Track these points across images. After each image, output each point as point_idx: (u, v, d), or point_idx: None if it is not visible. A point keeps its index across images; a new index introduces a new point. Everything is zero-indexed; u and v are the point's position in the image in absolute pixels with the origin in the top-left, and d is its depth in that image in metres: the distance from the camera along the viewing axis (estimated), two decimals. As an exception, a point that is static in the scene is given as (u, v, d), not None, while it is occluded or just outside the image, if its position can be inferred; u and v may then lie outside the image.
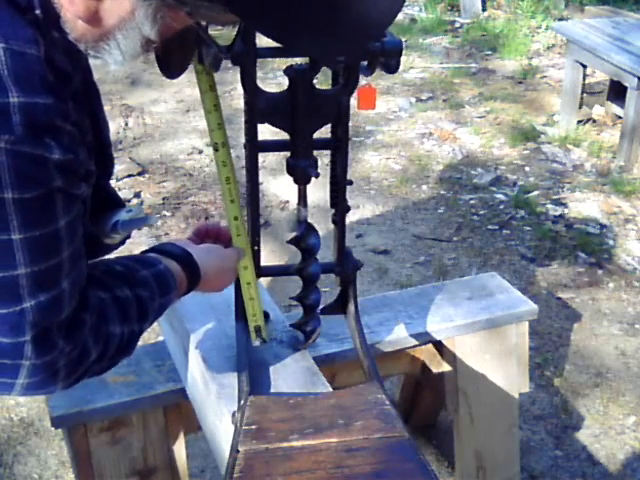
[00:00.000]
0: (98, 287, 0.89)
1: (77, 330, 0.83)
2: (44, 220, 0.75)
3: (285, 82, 1.13)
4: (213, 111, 1.10)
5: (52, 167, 0.72)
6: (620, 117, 4.10)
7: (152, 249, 1.06)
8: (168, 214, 3.42)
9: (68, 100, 0.75)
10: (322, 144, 1.24)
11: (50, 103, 0.71)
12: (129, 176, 3.71)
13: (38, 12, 0.72)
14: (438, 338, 1.68)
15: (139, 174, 3.75)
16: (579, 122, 4.28)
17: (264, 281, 1.44)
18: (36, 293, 0.77)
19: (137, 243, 3.16)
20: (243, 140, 1.22)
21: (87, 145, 0.80)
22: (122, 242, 1.13)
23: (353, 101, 1.14)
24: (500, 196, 3.64)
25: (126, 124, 4.30)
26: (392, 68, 1.07)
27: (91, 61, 0.79)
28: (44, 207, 0.74)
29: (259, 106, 1.12)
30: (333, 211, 1.32)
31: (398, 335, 1.62)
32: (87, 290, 0.86)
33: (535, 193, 3.68)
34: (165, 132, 4.22)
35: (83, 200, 0.83)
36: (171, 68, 0.87)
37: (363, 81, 1.11)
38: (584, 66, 4.15)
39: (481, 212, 3.51)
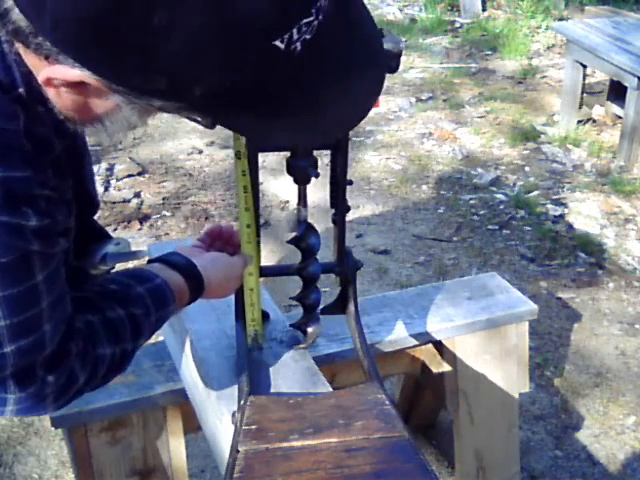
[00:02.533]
0: (88, 310, 0.91)
1: (62, 360, 0.86)
2: (21, 279, 0.78)
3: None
4: None
5: (29, 233, 0.76)
6: (620, 117, 4.10)
7: (158, 258, 1.08)
8: (168, 214, 3.42)
9: (47, 168, 0.78)
10: (322, 144, 1.24)
11: (27, 175, 0.74)
12: (129, 176, 3.71)
13: (21, 90, 0.75)
14: (438, 338, 1.68)
15: (139, 174, 3.75)
16: (579, 122, 4.28)
17: (264, 281, 1.43)
18: (16, 339, 0.80)
19: (137, 243, 3.16)
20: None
21: (67, 203, 0.83)
22: (108, 272, 1.15)
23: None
24: (500, 196, 3.64)
25: (126, 124, 4.29)
26: (392, 68, 1.07)
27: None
28: (21, 268, 0.77)
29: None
30: (333, 211, 1.31)
31: (398, 335, 1.62)
32: (73, 318, 0.88)
33: (535, 193, 3.68)
34: (165, 132, 4.22)
35: (65, 250, 0.85)
36: None
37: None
38: (584, 66, 4.16)
39: (481, 212, 3.51)
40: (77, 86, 0.70)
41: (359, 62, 0.76)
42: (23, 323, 0.79)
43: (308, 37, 0.66)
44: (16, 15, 0.66)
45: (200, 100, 0.68)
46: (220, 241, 1.22)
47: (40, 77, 0.70)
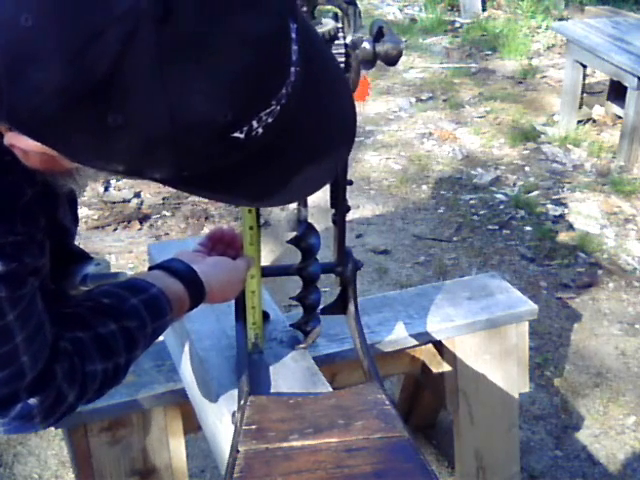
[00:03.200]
0: (78, 327, 0.91)
1: (47, 383, 0.86)
2: None
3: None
4: None
5: None
6: (620, 117, 4.10)
7: (157, 265, 1.08)
8: (168, 214, 3.42)
9: (14, 215, 0.78)
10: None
11: None
12: (129, 176, 3.71)
13: None
14: (438, 338, 1.68)
15: (139, 174, 3.74)
16: (579, 122, 4.28)
17: (264, 281, 1.43)
18: None
19: (137, 243, 3.16)
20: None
21: (38, 244, 0.83)
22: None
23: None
24: (500, 196, 3.64)
25: (126, 124, 4.29)
26: (391, 62, 1.08)
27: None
28: None
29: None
30: (333, 211, 1.31)
31: (398, 335, 1.62)
32: (58, 338, 0.88)
33: (535, 193, 3.68)
34: (165, 132, 4.22)
35: (40, 275, 0.86)
36: None
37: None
38: (584, 66, 4.16)
39: (481, 212, 3.51)
40: (43, 152, 0.70)
41: (328, 136, 0.77)
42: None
43: (270, 120, 0.67)
44: None
45: (162, 181, 0.71)
46: (222, 244, 1.21)
47: (5, 141, 0.70)
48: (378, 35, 1.07)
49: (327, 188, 1.30)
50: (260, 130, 0.67)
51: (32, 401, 0.85)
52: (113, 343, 0.93)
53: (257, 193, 0.76)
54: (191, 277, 1.06)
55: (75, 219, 1.08)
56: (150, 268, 1.08)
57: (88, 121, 0.62)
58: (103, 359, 0.92)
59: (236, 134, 0.66)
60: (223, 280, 1.12)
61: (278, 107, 0.67)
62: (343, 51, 1.05)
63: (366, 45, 1.06)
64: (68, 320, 0.90)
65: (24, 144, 0.68)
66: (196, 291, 1.06)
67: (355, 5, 1.04)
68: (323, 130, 0.76)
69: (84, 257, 1.11)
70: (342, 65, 1.10)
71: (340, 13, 1.06)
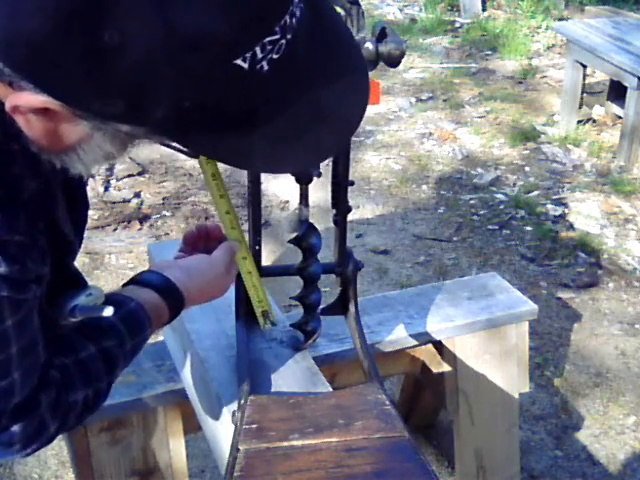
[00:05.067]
0: (63, 352, 0.88)
1: (31, 411, 0.83)
2: None
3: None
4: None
5: None
6: (620, 117, 4.10)
7: (131, 280, 1.04)
8: (168, 214, 3.42)
9: (18, 211, 0.76)
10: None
11: None
12: (129, 176, 3.71)
13: None
14: (438, 338, 1.68)
15: (139, 174, 3.75)
16: (579, 122, 4.28)
17: (264, 281, 1.43)
18: None
19: (137, 243, 3.17)
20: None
21: (40, 250, 0.80)
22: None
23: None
24: (500, 196, 3.64)
25: (126, 124, 4.29)
26: (394, 64, 1.08)
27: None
28: None
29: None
30: (334, 211, 1.32)
31: (398, 335, 1.62)
32: (48, 366, 0.85)
33: (535, 193, 3.68)
34: (165, 132, 4.22)
35: (37, 297, 0.82)
36: None
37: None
38: (584, 66, 4.16)
39: (481, 212, 3.51)
40: (43, 113, 0.69)
41: (339, 76, 0.74)
42: None
43: (275, 56, 0.65)
44: None
45: (164, 123, 0.67)
46: (201, 242, 1.17)
47: (7, 106, 0.69)
48: (381, 36, 1.07)
49: (328, 188, 1.30)
50: (265, 65, 0.65)
51: (14, 428, 0.81)
52: (93, 367, 0.90)
53: (267, 152, 0.72)
54: (166, 285, 1.02)
55: (78, 231, 1.04)
56: (124, 285, 1.04)
57: (82, 44, 0.61)
58: (84, 386, 0.88)
59: (239, 61, 0.63)
60: (201, 279, 1.07)
61: (283, 41, 0.65)
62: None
63: (369, 45, 1.06)
64: (54, 345, 0.87)
65: (25, 100, 0.67)
66: (173, 299, 1.02)
67: (359, 5, 1.04)
68: (334, 85, 0.73)
69: (79, 283, 1.04)
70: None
71: (343, 13, 1.06)
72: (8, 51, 0.63)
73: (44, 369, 0.84)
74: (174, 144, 0.74)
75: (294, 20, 0.66)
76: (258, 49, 0.64)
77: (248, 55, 0.64)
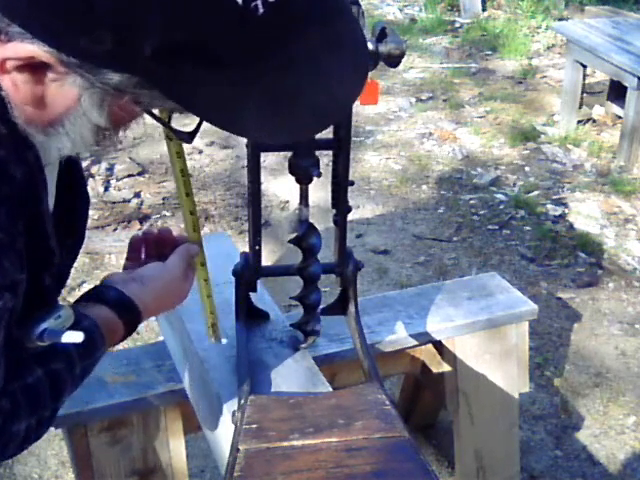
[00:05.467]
0: (14, 377, 0.82)
1: None
2: None
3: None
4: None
5: None
6: (620, 117, 4.10)
7: (85, 295, 0.98)
8: (168, 214, 3.42)
9: (1, 201, 0.72)
10: (324, 144, 1.24)
11: None
12: (129, 176, 3.71)
13: None
14: (438, 338, 1.68)
15: (139, 174, 3.75)
16: (579, 122, 4.28)
17: (264, 281, 1.43)
18: None
19: (137, 243, 3.16)
20: (245, 140, 1.22)
21: (17, 253, 0.75)
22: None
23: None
24: (500, 196, 3.64)
25: (126, 124, 4.29)
26: (393, 64, 1.08)
27: (43, 145, 0.75)
28: None
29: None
30: (334, 211, 1.32)
31: (398, 335, 1.62)
32: (1, 393, 0.79)
33: (535, 193, 3.68)
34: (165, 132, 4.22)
35: (10, 308, 0.77)
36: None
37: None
38: (584, 66, 4.16)
39: (481, 212, 3.51)
40: (34, 71, 0.67)
41: (339, 57, 0.70)
42: None
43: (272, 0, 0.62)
44: None
45: (153, 64, 0.63)
46: (151, 246, 1.10)
47: None
48: (381, 36, 1.07)
49: (328, 188, 1.30)
50: (260, 6, 0.62)
51: None
52: (40, 393, 0.83)
53: (262, 113, 0.68)
54: (120, 300, 0.96)
55: (79, 231, 0.99)
56: (76, 301, 0.98)
57: None
58: (29, 415, 0.82)
59: None
60: (158, 289, 1.02)
61: None
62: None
63: (369, 45, 1.06)
64: (9, 370, 0.80)
65: (13, 51, 0.65)
66: (129, 314, 0.97)
67: (359, 5, 1.04)
68: (333, 47, 0.70)
69: (51, 300, 0.95)
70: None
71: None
72: None
73: None
74: (164, 116, 0.71)
75: None
76: None
77: None
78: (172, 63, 0.63)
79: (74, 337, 0.85)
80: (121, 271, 1.07)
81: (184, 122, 0.81)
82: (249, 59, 0.65)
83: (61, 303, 0.90)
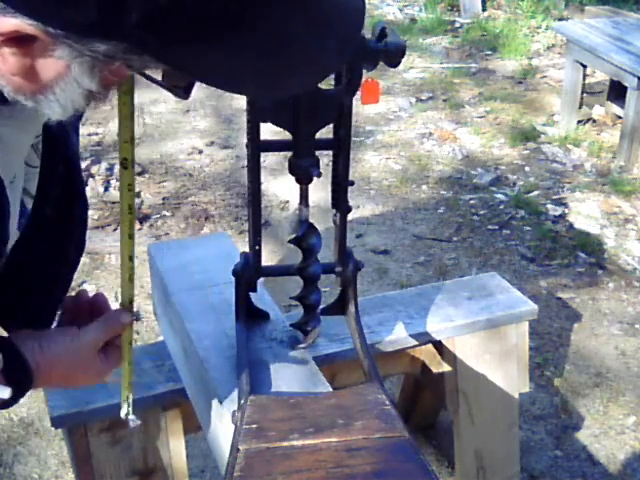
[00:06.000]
0: None
1: None
2: None
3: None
4: (128, 120, 0.90)
5: None
6: (620, 117, 4.10)
7: None
8: (168, 214, 3.42)
9: None
10: (324, 144, 1.24)
11: None
12: (129, 176, 3.71)
13: None
14: (438, 338, 1.68)
15: (139, 174, 3.75)
16: (579, 122, 4.28)
17: (265, 281, 1.43)
18: None
19: (137, 243, 3.16)
20: (245, 140, 1.22)
21: None
22: None
23: (354, 99, 1.14)
24: (500, 196, 3.64)
25: (126, 124, 4.29)
26: (393, 64, 1.08)
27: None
28: None
29: (262, 105, 1.12)
30: (334, 211, 1.32)
31: (398, 335, 1.62)
32: None
33: (535, 193, 3.68)
34: (165, 132, 4.22)
35: None
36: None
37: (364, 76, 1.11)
38: (584, 66, 4.16)
39: (481, 212, 3.51)
40: (22, 44, 0.66)
41: (335, 8, 0.67)
42: None
43: None
44: None
45: (140, 31, 0.62)
46: (85, 311, 0.99)
47: None
48: (381, 36, 1.07)
49: (328, 188, 1.30)
50: None
51: None
52: None
53: (259, 67, 0.66)
54: (14, 362, 0.87)
55: (80, 231, 0.96)
56: None
57: None
58: None
59: None
60: (61, 357, 0.92)
61: None
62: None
63: (369, 45, 1.06)
64: None
65: None
66: (19, 378, 0.88)
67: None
68: None
69: None
70: (344, 66, 1.11)
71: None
72: None
73: None
74: (158, 76, 0.69)
75: None
76: None
77: None
78: (158, 28, 0.62)
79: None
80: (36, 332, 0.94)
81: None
82: (234, 14, 0.62)
83: None
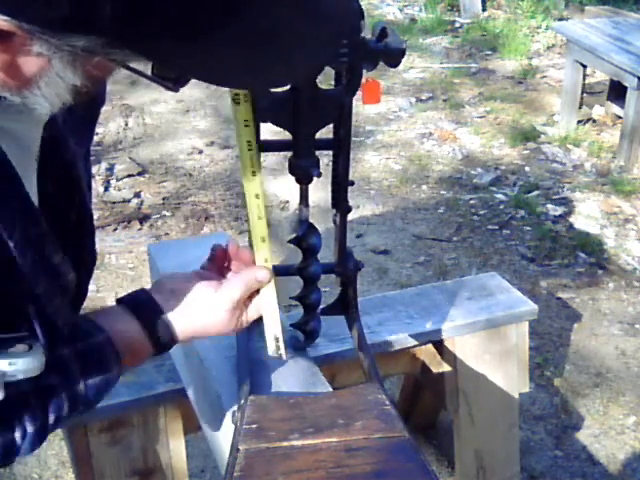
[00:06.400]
0: None
1: None
2: None
3: (286, 82, 1.13)
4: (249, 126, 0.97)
5: None
6: (620, 117, 4.10)
7: (126, 297, 0.95)
8: (168, 214, 3.42)
9: None
10: (324, 144, 1.24)
11: None
12: (129, 176, 3.72)
13: None
14: (438, 338, 1.68)
15: (139, 174, 3.75)
16: (579, 122, 4.28)
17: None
18: None
19: (137, 243, 3.17)
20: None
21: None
22: None
23: (355, 100, 1.14)
24: (500, 196, 3.64)
25: (126, 124, 4.30)
26: (393, 64, 1.08)
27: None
28: None
29: (262, 105, 1.12)
30: (334, 211, 1.31)
31: (398, 335, 1.62)
32: None
33: (535, 193, 3.68)
34: (165, 132, 4.22)
35: None
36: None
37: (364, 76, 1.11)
38: (584, 66, 4.16)
39: (481, 212, 3.51)
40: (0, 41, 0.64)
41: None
42: None
43: None
44: None
45: (117, 24, 0.59)
46: (229, 261, 1.06)
47: None
48: (381, 36, 1.07)
49: (328, 188, 1.30)
50: None
51: None
52: (17, 408, 0.80)
53: (245, 58, 0.64)
54: (155, 319, 0.93)
55: (89, 232, 0.94)
56: (118, 301, 0.95)
57: None
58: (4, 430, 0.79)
59: None
60: (197, 319, 0.97)
61: None
62: (346, 50, 1.05)
63: (369, 45, 1.06)
64: None
65: None
66: (161, 335, 0.93)
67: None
68: None
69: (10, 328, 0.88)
70: (344, 65, 1.10)
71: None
72: None
73: None
74: (139, 67, 0.67)
75: None
76: None
77: None
78: (137, 21, 0.60)
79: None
80: (176, 275, 1.01)
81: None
82: (219, 4, 0.60)
83: (37, 348, 0.78)
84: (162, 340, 0.94)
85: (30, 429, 0.81)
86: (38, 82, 0.70)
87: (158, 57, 0.64)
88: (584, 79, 4.24)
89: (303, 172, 1.20)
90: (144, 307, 0.93)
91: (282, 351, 1.14)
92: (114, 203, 3.47)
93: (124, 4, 0.59)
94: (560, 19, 5.86)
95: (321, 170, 1.20)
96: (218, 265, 1.06)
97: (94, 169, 3.69)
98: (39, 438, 0.83)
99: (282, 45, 0.64)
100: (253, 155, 0.95)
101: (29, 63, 0.67)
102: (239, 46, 0.62)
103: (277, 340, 1.11)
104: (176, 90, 0.73)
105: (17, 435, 0.81)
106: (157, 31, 0.60)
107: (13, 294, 0.77)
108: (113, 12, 0.58)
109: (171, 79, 0.71)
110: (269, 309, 1.07)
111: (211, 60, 0.63)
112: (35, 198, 0.83)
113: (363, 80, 1.12)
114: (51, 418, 0.83)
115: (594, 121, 4.35)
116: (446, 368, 1.76)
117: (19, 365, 0.75)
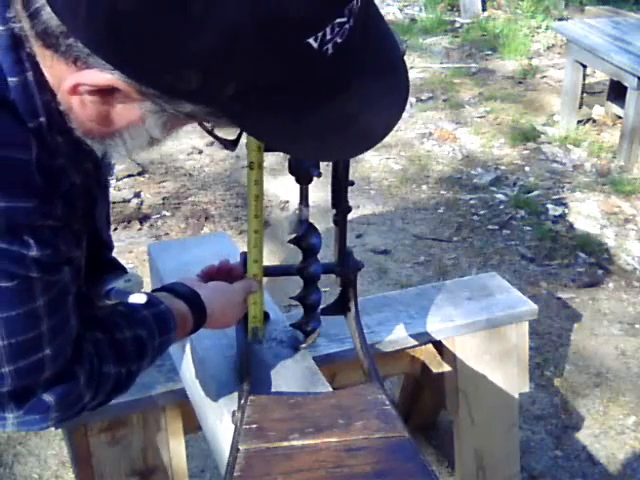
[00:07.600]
0: (98, 329, 0.94)
1: (66, 382, 0.87)
2: (20, 302, 0.78)
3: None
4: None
5: (29, 262, 0.76)
6: (620, 117, 4.10)
7: (162, 288, 1.10)
8: (168, 214, 3.42)
9: (56, 199, 0.77)
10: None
11: (31, 206, 0.74)
12: (129, 176, 3.71)
13: (42, 119, 0.74)
14: (438, 338, 1.68)
15: (139, 174, 3.75)
16: (579, 122, 4.28)
17: (263, 281, 1.43)
18: (15, 360, 0.81)
19: (137, 243, 3.16)
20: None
21: (74, 234, 0.83)
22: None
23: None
24: (500, 196, 3.64)
25: (126, 124, 4.29)
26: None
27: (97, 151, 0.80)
28: (20, 292, 0.78)
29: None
30: (334, 211, 1.31)
31: (398, 335, 1.62)
32: (81, 339, 0.89)
33: (535, 193, 3.68)
34: (165, 132, 4.22)
35: (77, 268, 0.87)
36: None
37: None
38: (584, 66, 4.16)
39: (481, 212, 3.51)
40: (105, 94, 0.68)
41: (385, 69, 0.75)
42: (21, 345, 0.80)
43: (339, 41, 0.65)
44: (47, 15, 0.64)
45: (231, 101, 0.66)
46: (220, 276, 1.23)
47: (67, 84, 0.68)
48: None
49: (328, 188, 1.30)
50: (330, 48, 0.65)
51: (48, 398, 0.85)
52: (127, 349, 0.95)
53: (319, 137, 0.72)
54: (194, 299, 1.09)
55: (108, 224, 1.10)
56: (154, 290, 1.10)
57: (169, 13, 0.60)
58: (117, 363, 0.94)
59: (311, 40, 0.63)
60: (223, 303, 1.15)
61: (347, 25, 0.65)
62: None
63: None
64: (89, 322, 0.93)
65: (90, 79, 0.66)
66: (199, 312, 1.09)
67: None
68: (382, 77, 0.75)
69: (117, 268, 1.13)
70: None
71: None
72: (87, 25, 0.62)
73: (77, 344, 0.88)
74: (220, 133, 0.74)
75: (357, 6, 0.66)
76: (329, 30, 0.64)
77: (319, 35, 0.63)
78: (249, 101, 0.66)
79: (139, 298, 0.98)
80: (186, 278, 1.17)
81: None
82: (319, 94, 0.69)
83: (131, 272, 1.02)
84: (200, 318, 1.09)
85: (133, 367, 0.97)
86: (123, 133, 0.75)
87: (251, 128, 0.72)
88: (584, 79, 4.24)
89: (303, 172, 1.21)
90: (185, 292, 1.09)
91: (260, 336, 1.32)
92: (114, 203, 3.47)
93: (247, 88, 0.65)
94: (560, 19, 5.86)
95: (321, 170, 1.20)
96: (209, 278, 1.22)
97: (94, 169, 3.69)
98: (134, 380, 1.00)
99: (359, 128, 0.74)
100: (258, 205, 1.17)
101: (123, 116, 0.72)
102: (324, 127, 0.71)
103: (256, 329, 1.30)
104: (233, 149, 0.81)
105: (124, 370, 0.96)
106: (262, 109, 0.67)
107: None
108: (235, 93, 0.65)
109: (231, 140, 0.79)
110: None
111: (294, 134, 0.71)
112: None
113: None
114: (142, 365, 0.99)
115: (594, 121, 4.35)
116: (446, 368, 1.76)
117: (133, 280, 1.02)
